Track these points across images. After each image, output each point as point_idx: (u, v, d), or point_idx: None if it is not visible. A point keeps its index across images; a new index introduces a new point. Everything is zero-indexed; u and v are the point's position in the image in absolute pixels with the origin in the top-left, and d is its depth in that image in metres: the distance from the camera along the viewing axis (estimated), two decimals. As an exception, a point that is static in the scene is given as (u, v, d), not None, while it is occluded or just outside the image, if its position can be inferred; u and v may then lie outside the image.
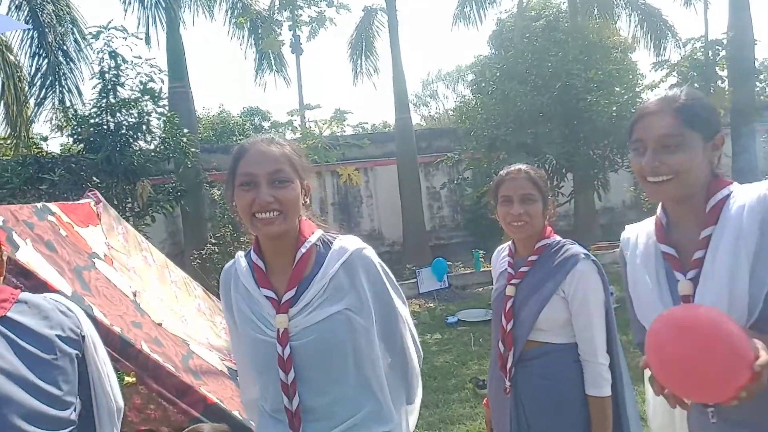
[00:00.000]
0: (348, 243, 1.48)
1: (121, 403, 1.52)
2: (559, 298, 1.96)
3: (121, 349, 2.30)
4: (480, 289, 9.27)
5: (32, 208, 3.00)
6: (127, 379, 2.39)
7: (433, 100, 32.09)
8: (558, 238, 2.09)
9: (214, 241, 9.25)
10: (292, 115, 9.18)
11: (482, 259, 9.95)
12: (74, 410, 1.49)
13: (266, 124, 27.23)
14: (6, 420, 1.44)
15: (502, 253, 2.25)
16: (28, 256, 2.52)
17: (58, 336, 1.47)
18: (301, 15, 11.29)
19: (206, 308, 4.04)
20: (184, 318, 3.57)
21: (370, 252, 1.50)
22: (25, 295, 1.48)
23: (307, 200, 1.49)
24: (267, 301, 1.44)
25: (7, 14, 9.22)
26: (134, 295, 3.16)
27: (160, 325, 3.06)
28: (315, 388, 1.43)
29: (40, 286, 2.29)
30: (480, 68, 10.96)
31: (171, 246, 11.09)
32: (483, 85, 10.43)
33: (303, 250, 1.45)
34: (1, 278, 1.49)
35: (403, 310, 1.54)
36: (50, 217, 3.05)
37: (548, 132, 9.27)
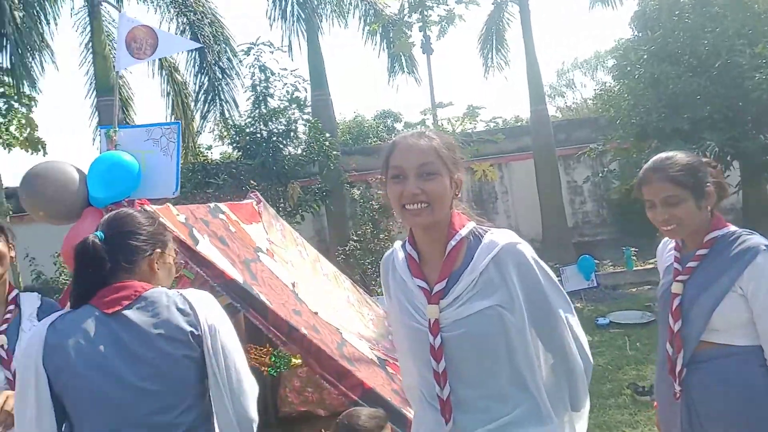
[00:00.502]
0: (499, 237, 1.46)
1: (252, 415, 1.58)
2: (736, 296, 1.76)
3: (288, 333, 2.51)
4: (633, 290, 8.58)
5: (207, 208, 3.36)
6: (294, 360, 2.59)
7: (570, 90, 30.36)
8: (732, 228, 1.87)
9: (355, 238, 9.68)
10: (424, 114, 9.30)
11: (634, 258, 9.20)
12: (180, 414, 1.53)
13: (399, 126, 27.89)
14: (110, 421, 1.51)
15: (668, 245, 2.07)
16: (207, 249, 2.82)
17: (162, 335, 1.53)
18: (430, 15, 11.36)
19: (355, 300, 4.22)
20: (336, 308, 3.76)
21: (523, 247, 1.46)
22: (151, 292, 1.58)
23: (458, 193, 1.50)
24: (419, 291, 1.48)
25: (175, 38, 10.50)
26: (293, 285, 3.40)
27: (316, 314, 3.25)
28: (466, 380, 1.44)
29: (219, 275, 2.59)
30: (622, 52, 10.14)
31: (317, 243, 11.81)
32: (628, 69, 9.65)
33: (453, 242, 1.46)
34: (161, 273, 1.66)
35: (563, 309, 1.48)
36: (221, 216, 3.39)
37: (708, 116, 8.32)
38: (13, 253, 2.09)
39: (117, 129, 2.34)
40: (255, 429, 1.60)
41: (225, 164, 8.93)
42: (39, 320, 2.10)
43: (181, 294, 1.60)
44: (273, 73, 8.55)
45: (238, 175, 8.47)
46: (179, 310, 1.55)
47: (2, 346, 1.99)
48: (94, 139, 12.97)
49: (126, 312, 1.53)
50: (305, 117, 8.90)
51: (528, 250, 1.46)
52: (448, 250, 1.45)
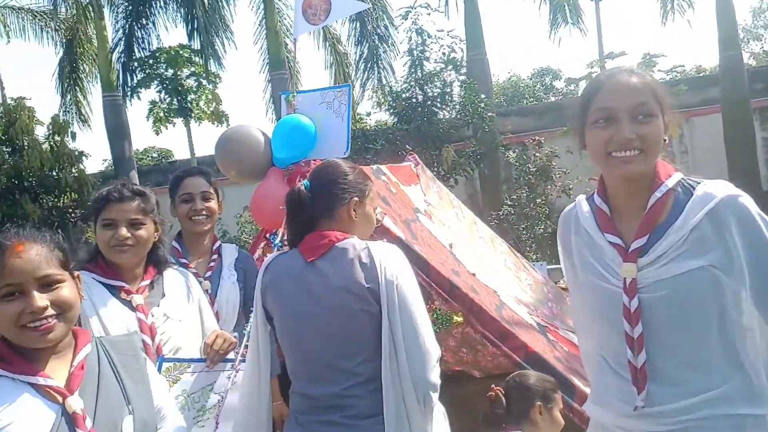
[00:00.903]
0: (716, 188, 1.28)
1: (431, 378, 1.54)
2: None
3: (450, 291, 2.56)
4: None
5: (370, 169, 3.51)
6: (456, 318, 2.65)
7: (769, 32, 25.79)
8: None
9: (509, 202, 9.47)
10: (591, 67, 8.61)
11: None
12: (359, 363, 1.58)
13: (558, 84, 26.25)
14: (303, 364, 1.65)
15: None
16: (372, 208, 2.96)
17: (343, 287, 1.58)
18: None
19: (512, 264, 4.15)
20: (493, 271, 3.72)
21: (746, 200, 1.27)
22: (343, 243, 1.64)
23: (666, 139, 1.34)
24: (611, 248, 1.35)
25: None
26: (450, 246, 3.44)
27: (473, 275, 3.26)
28: (666, 348, 1.30)
29: (384, 231, 2.71)
30: None
31: (470, 207, 11.67)
32: None
33: (658, 194, 1.31)
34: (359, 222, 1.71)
35: None
36: (383, 177, 3.52)
37: None
38: (220, 211, 2.39)
39: (295, 94, 2.53)
40: (436, 390, 1.56)
41: (382, 130, 9.24)
42: (236, 270, 2.40)
43: (367, 247, 1.63)
44: (429, 36, 8.56)
45: (394, 140, 8.72)
46: (362, 264, 1.59)
47: (207, 291, 2.24)
48: (267, 110, 14.25)
49: (319, 261, 1.64)
50: (461, 78, 8.79)
51: (752, 204, 1.27)
52: (651, 202, 1.30)
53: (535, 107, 13.38)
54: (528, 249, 8.71)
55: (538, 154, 9.42)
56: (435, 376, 1.56)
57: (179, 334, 1.90)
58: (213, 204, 2.33)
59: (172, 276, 2.01)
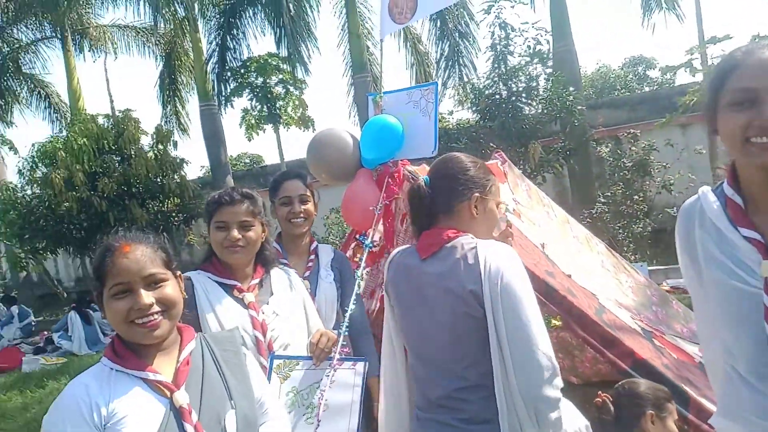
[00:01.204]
0: None
1: (543, 392, 1.42)
2: None
3: (546, 293, 2.43)
4: None
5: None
6: (554, 322, 2.53)
7: None
8: None
9: (603, 200, 8.97)
10: (690, 54, 7.92)
11: None
12: (465, 368, 1.52)
13: (652, 73, 24.63)
14: (418, 362, 1.63)
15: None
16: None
17: (447, 289, 1.53)
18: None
19: (610, 265, 3.90)
20: (589, 273, 3.53)
21: None
22: (455, 242, 1.57)
23: None
24: (747, 244, 1.22)
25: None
26: (542, 246, 3.29)
27: (569, 276, 3.09)
28: None
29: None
30: None
31: (559, 206, 11.27)
32: None
33: None
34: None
35: None
36: (470, 176, 3.44)
37: None
38: (316, 212, 2.46)
39: (382, 95, 2.53)
40: (552, 407, 1.44)
41: (465, 128, 9.10)
42: (332, 269, 2.44)
43: (475, 247, 1.55)
44: (513, 29, 8.30)
45: (477, 138, 8.55)
46: (466, 264, 1.53)
47: (307, 290, 2.28)
48: (350, 113, 14.51)
49: (431, 259, 1.61)
50: (547, 72, 8.45)
51: None
52: None
53: (629, 98, 12.58)
54: (625, 249, 8.19)
55: (633, 148, 8.84)
56: (549, 390, 1.43)
57: (287, 331, 1.96)
58: (310, 206, 2.40)
59: (278, 275, 2.08)
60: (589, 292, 3.03)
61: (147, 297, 1.32)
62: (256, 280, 1.99)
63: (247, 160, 24.90)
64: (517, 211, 3.60)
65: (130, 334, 1.33)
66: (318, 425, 1.89)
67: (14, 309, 11.20)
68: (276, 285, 2.04)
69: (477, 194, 1.63)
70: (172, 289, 1.38)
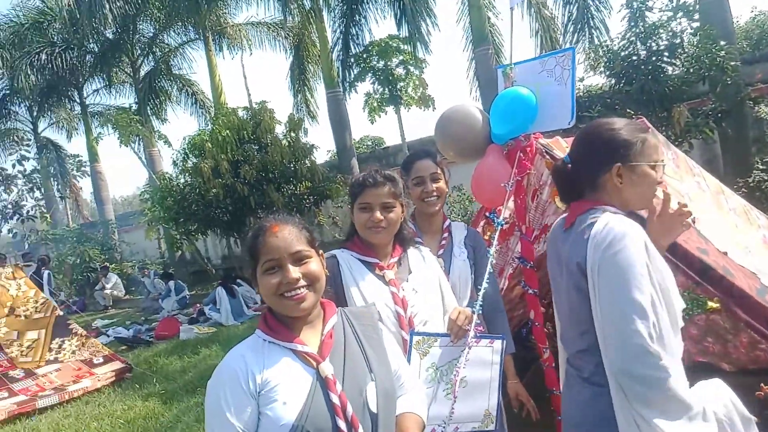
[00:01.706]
0: None
1: (626, 366, 1.42)
2: None
3: (701, 272, 2.23)
4: None
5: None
6: (711, 304, 2.30)
7: None
8: None
9: (762, 166, 7.91)
10: None
11: None
12: (582, 334, 1.59)
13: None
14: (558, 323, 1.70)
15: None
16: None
17: (563, 261, 1.61)
18: None
19: (773, 240, 3.47)
20: (748, 249, 3.17)
21: None
22: (584, 215, 1.58)
23: None
24: None
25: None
26: (693, 221, 3.00)
27: (725, 254, 2.80)
28: None
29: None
30: None
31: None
32: None
33: None
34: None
35: None
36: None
37: None
38: (447, 189, 2.47)
39: (513, 66, 2.44)
40: (641, 383, 1.42)
41: (598, 95, 8.46)
42: (465, 247, 2.45)
43: (594, 221, 1.55)
44: (653, -19, 7.49)
45: (612, 104, 7.91)
46: (582, 239, 1.55)
47: (441, 267, 2.32)
48: (471, 89, 14.23)
49: (568, 231, 1.66)
50: (694, 26, 7.54)
51: None
52: None
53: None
54: (791, 221, 7.18)
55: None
56: (636, 367, 1.41)
57: (426, 308, 2.01)
58: (442, 184, 2.41)
59: (414, 254, 2.14)
60: (748, 271, 2.72)
61: (294, 272, 1.43)
62: (395, 259, 2.06)
63: (369, 143, 25.53)
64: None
65: (281, 306, 1.45)
66: (455, 401, 1.92)
67: (171, 284, 12.62)
68: (413, 263, 2.10)
69: (618, 164, 1.58)
70: (316, 265, 1.49)
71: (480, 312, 2.11)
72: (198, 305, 11.23)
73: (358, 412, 1.38)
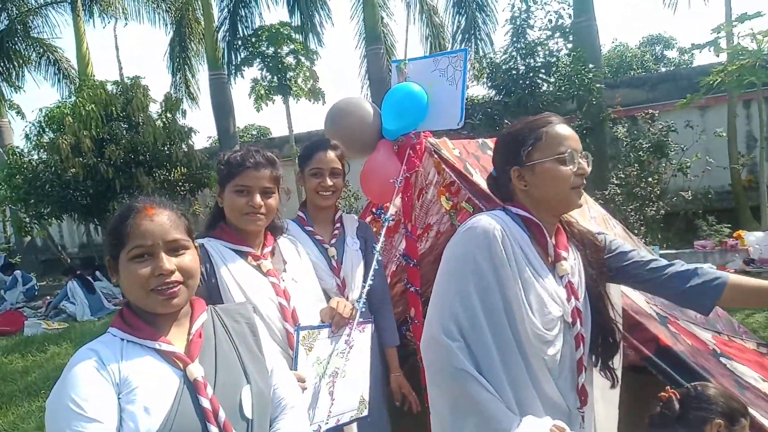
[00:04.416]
0: None
1: None
2: None
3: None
4: None
5: (476, 143, 3.33)
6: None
7: None
8: None
9: (616, 181, 8.82)
10: (717, 32, 7.67)
11: None
12: None
13: (670, 53, 24.13)
14: None
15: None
16: (482, 183, 2.81)
17: None
18: None
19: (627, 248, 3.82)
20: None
21: None
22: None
23: None
24: None
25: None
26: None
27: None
28: None
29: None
30: None
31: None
32: None
33: None
34: None
35: None
36: (489, 151, 3.32)
37: None
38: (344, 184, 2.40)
39: (407, 62, 2.40)
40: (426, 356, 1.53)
41: (480, 103, 8.90)
42: (357, 238, 2.38)
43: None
44: (535, 2, 8.03)
45: (492, 114, 8.38)
46: None
47: (333, 257, 2.28)
48: (362, 87, 14.29)
49: None
50: (568, 47, 8.21)
51: None
52: None
53: (649, 78, 12.25)
54: (636, 232, 8.08)
55: (651, 129, 8.65)
56: (426, 351, 1.50)
57: (306, 299, 1.90)
58: (340, 180, 2.32)
59: (286, 243, 2.02)
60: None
61: (169, 263, 1.25)
62: (269, 248, 1.90)
63: (255, 132, 24.75)
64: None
65: (148, 302, 1.26)
66: (333, 398, 1.86)
67: (17, 273, 11.29)
68: (286, 253, 1.97)
69: (515, 167, 1.53)
70: (192, 259, 1.32)
71: (364, 309, 2.05)
72: (48, 297, 10.15)
73: (231, 417, 1.25)
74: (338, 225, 2.38)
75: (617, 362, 1.73)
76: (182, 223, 1.33)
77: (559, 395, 1.50)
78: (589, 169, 1.51)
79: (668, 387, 1.71)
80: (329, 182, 2.27)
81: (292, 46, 12.20)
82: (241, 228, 1.85)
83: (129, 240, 1.25)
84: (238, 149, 1.88)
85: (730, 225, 8.13)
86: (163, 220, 1.28)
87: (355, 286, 2.30)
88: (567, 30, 8.23)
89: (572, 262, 1.57)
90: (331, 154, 2.28)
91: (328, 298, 2.06)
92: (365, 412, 1.99)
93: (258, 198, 1.80)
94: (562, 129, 1.51)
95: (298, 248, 2.05)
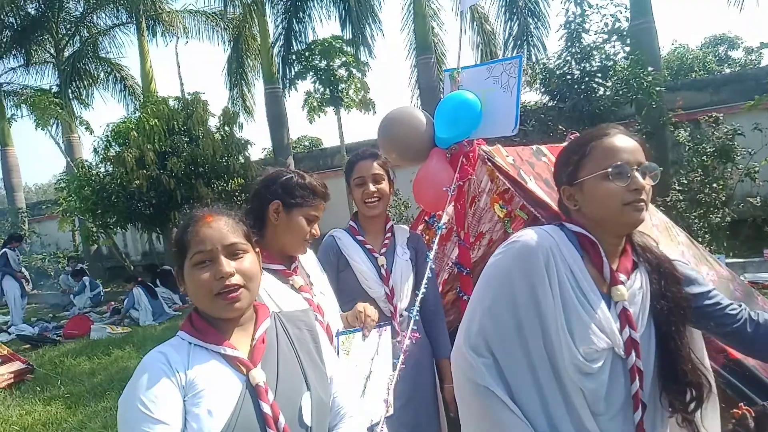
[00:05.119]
0: None
1: None
2: None
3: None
4: None
5: (530, 150, 3.28)
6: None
7: None
8: None
9: (679, 187, 8.44)
10: (789, 30, 7.26)
11: None
12: None
13: (735, 54, 22.94)
14: None
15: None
16: (535, 191, 2.76)
17: None
18: None
19: (691, 256, 3.64)
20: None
21: None
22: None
23: None
24: None
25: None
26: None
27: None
28: None
29: (555, 216, 2.50)
30: None
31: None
32: None
33: None
34: None
35: None
36: (543, 158, 3.26)
37: None
38: (392, 191, 2.41)
39: (460, 70, 2.40)
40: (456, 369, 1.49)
41: (533, 110, 8.76)
42: (408, 248, 2.39)
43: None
44: (590, 5, 7.84)
45: (546, 120, 8.22)
46: None
47: (383, 266, 2.30)
48: (412, 96, 14.34)
49: None
50: (626, 50, 7.95)
51: None
52: None
53: (713, 80, 11.70)
54: (701, 240, 7.70)
55: (715, 133, 8.24)
56: (453, 360, 1.47)
57: (331, 309, 1.94)
58: (384, 186, 2.33)
59: (305, 255, 2.04)
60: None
61: (228, 265, 1.29)
62: (295, 263, 1.93)
63: (307, 143, 25.23)
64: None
65: (213, 307, 1.31)
66: (363, 394, 1.91)
67: (86, 279, 11.88)
68: (306, 265, 2.01)
69: (564, 187, 1.45)
70: (251, 261, 1.35)
71: (417, 317, 2.05)
72: (113, 303, 10.61)
73: (290, 423, 1.27)
74: (389, 235, 2.40)
75: (709, 417, 1.48)
76: (240, 228, 1.37)
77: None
78: (647, 183, 1.37)
79: (741, 403, 1.61)
80: (372, 188, 2.29)
81: (344, 59, 12.42)
82: (288, 250, 1.88)
83: (190, 247, 1.31)
84: (302, 174, 1.91)
85: (800, 232, 7.62)
86: (220, 225, 1.33)
87: (404, 295, 2.31)
88: (624, 33, 7.97)
89: (635, 290, 1.41)
90: (372, 163, 2.32)
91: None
92: (390, 412, 2.01)
93: (317, 228, 1.88)
94: (617, 140, 1.39)
95: (314, 257, 2.09)
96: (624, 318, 1.37)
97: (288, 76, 13.95)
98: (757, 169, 8.15)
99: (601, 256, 1.39)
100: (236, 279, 1.30)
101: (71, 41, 17.24)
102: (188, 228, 1.33)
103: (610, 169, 1.35)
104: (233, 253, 1.33)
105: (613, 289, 1.38)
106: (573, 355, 1.31)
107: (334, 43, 12.33)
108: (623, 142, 1.39)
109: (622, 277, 1.39)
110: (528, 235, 1.41)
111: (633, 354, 1.36)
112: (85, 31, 17.26)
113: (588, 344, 1.32)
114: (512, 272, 1.37)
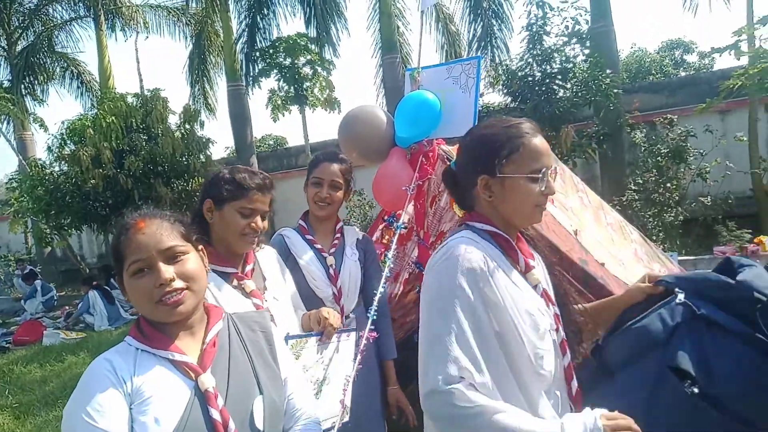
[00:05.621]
0: None
1: None
2: None
3: (584, 281, 2.33)
4: None
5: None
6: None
7: None
8: None
9: (634, 187, 8.71)
10: (739, 35, 7.54)
11: None
12: None
13: (690, 58, 23.80)
14: None
15: None
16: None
17: None
18: None
19: (643, 254, 3.75)
20: (622, 262, 3.40)
21: None
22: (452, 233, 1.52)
23: None
24: None
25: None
26: (575, 233, 3.17)
27: (602, 265, 2.97)
28: None
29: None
30: None
31: (589, 192, 10.99)
32: None
33: None
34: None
35: None
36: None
37: None
38: (347, 198, 2.42)
39: (420, 70, 2.41)
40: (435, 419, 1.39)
41: (495, 111, 8.89)
42: (357, 249, 2.39)
43: (444, 245, 1.52)
44: (551, 8, 8.00)
45: (508, 121, 8.33)
46: None
47: (331, 266, 2.30)
48: (377, 96, 14.35)
49: None
50: (585, 52, 8.15)
51: None
52: None
53: (668, 83, 12.10)
54: (654, 238, 7.95)
55: (669, 134, 8.53)
56: (426, 405, 1.31)
57: (284, 315, 1.91)
58: (339, 194, 2.34)
59: (264, 254, 2.02)
60: (622, 282, 2.90)
61: (167, 271, 1.26)
62: (251, 265, 1.89)
63: (271, 142, 24.96)
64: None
65: (155, 313, 1.27)
66: (318, 397, 1.89)
67: (37, 283, 11.45)
68: (265, 267, 1.97)
69: (484, 176, 1.41)
70: (193, 262, 1.32)
71: (375, 317, 2.05)
72: (67, 308, 10.29)
73: (241, 428, 1.25)
74: (338, 235, 2.40)
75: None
76: (176, 229, 1.33)
77: (554, 414, 1.37)
78: (555, 190, 1.46)
79: None
80: (325, 193, 2.29)
81: (308, 57, 12.32)
82: (232, 248, 1.84)
83: (126, 257, 1.27)
84: (234, 168, 1.87)
85: (750, 230, 7.97)
86: (154, 230, 1.29)
87: (351, 295, 2.31)
88: (584, 36, 8.17)
89: (540, 269, 1.52)
90: (335, 167, 2.31)
91: (314, 306, 2.07)
92: (346, 418, 1.97)
93: (260, 221, 1.82)
94: (540, 143, 1.42)
95: (277, 257, 2.06)
96: (546, 297, 1.47)
97: (251, 74, 13.77)
98: (708, 169, 8.48)
99: (515, 249, 1.45)
100: (177, 284, 1.27)
101: (24, 34, 16.57)
102: (121, 237, 1.29)
103: (540, 174, 1.39)
104: (171, 257, 1.29)
105: (529, 275, 1.46)
106: (533, 346, 1.35)
107: (299, 40, 12.24)
108: (545, 145, 1.44)
109: (531, 261, 1.48)
110: (461, 248, 1.35)
111: (561, 328, 1.47)
112: (39, 24, 16.61)
113: (538, 329, 1.38)
114: (464, 290, 1.31)
